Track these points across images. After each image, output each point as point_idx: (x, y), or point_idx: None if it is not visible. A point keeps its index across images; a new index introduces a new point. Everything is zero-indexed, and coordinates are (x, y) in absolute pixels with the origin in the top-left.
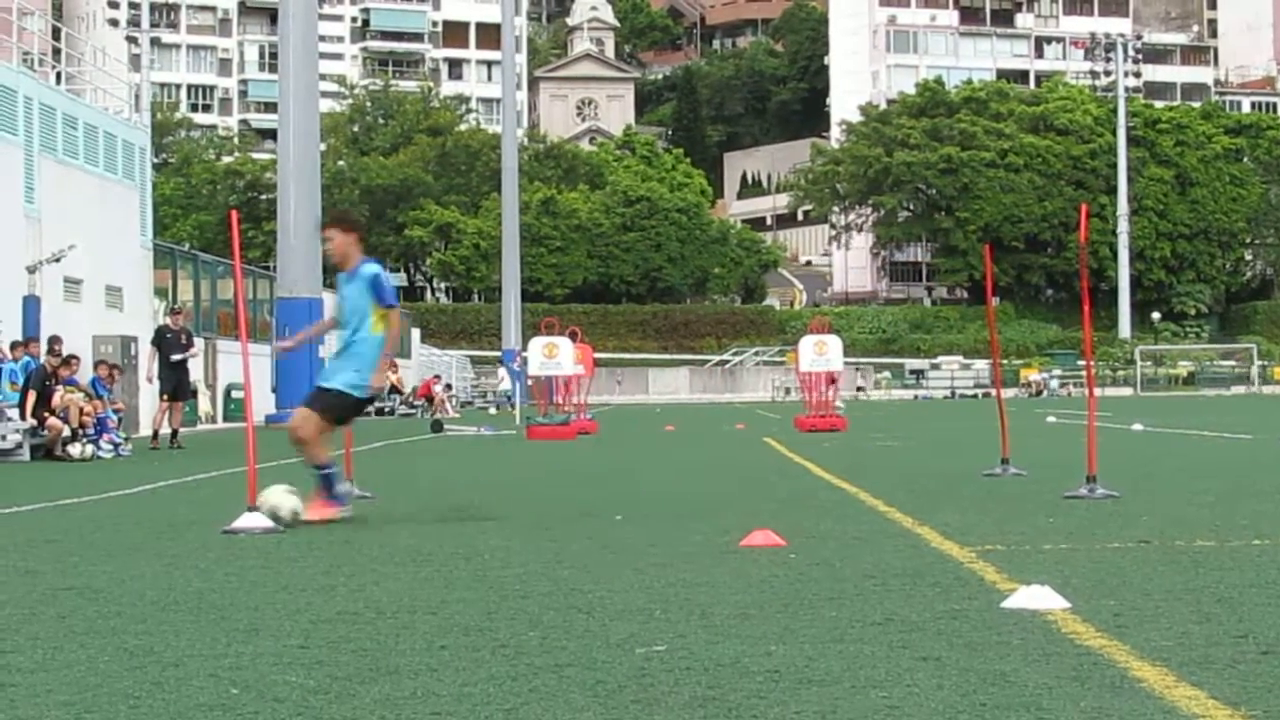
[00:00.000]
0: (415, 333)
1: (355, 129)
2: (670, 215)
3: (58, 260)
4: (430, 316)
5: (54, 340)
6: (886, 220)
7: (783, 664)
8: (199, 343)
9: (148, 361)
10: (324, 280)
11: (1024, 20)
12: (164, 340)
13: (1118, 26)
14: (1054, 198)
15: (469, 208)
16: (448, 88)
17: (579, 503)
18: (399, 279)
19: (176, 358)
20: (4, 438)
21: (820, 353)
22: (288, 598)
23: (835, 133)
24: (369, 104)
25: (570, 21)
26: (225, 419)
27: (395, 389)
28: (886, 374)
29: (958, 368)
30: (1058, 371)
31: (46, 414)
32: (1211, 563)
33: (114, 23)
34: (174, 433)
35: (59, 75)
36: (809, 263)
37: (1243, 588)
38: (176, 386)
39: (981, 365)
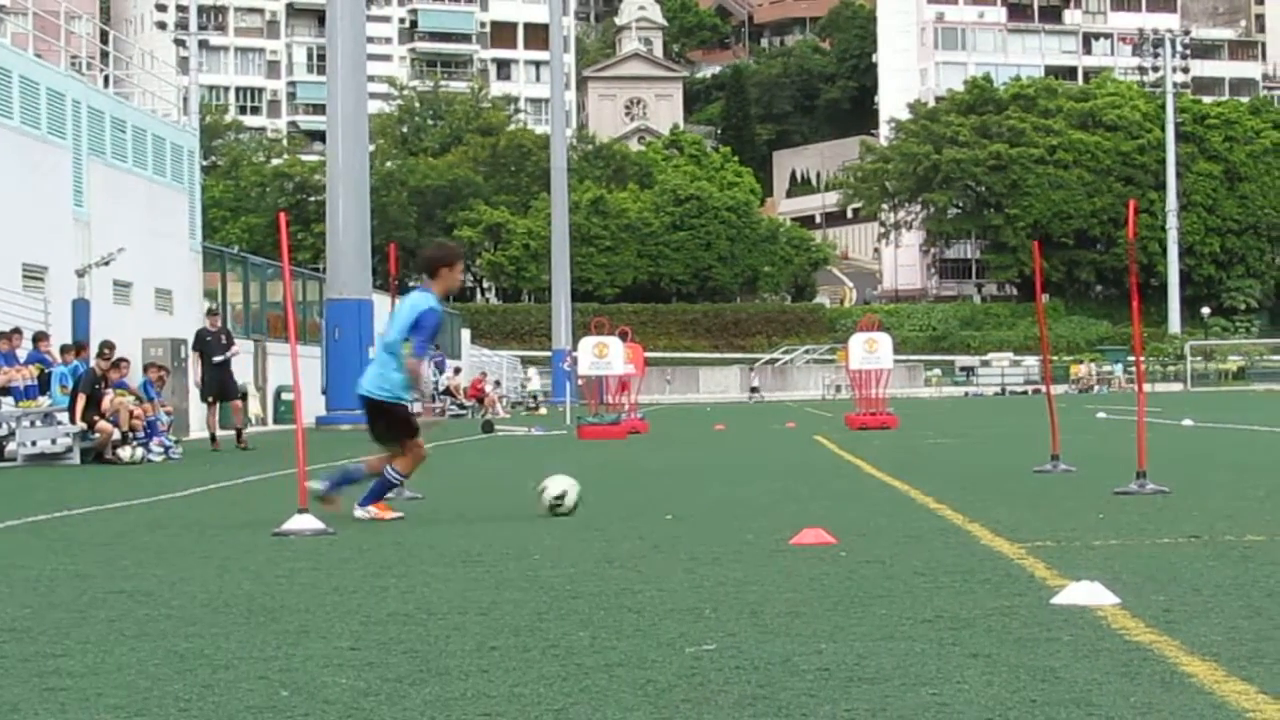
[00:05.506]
0: (465, 333)
1: (404, 130)
2: (720, 214)
3: (107, 264)
4: (480, 317)
5: (105, 344)
6: (936, 217)
7: (833, 662)
8: (246, 344)
9: (193, 367)
10: (374, 282)
11: (1072, 16)
12: (204, 343)
13: (1165, 22)
14: (1103, 194)
15: (519, 208)
16: (496, 88)
17: (629, 502)
18: None
19: (218, 359)
20: (54, 441)
21: (871, 350)
22: (338, 599)
23: (884, 130)
24: (418, 104)
25: (618, 21)
26: (275, 421)
27: (449, 391)
28: (937, 371)
29: (1008, 364)
30: (1108, 368)
31: (97, 417)
32: (1262, 557)
33: (162, 25)
34: (238, 433)
35: (107, 79)
36: (844, 255)
37: None
38: (222, 387)
39: (1032, 362)
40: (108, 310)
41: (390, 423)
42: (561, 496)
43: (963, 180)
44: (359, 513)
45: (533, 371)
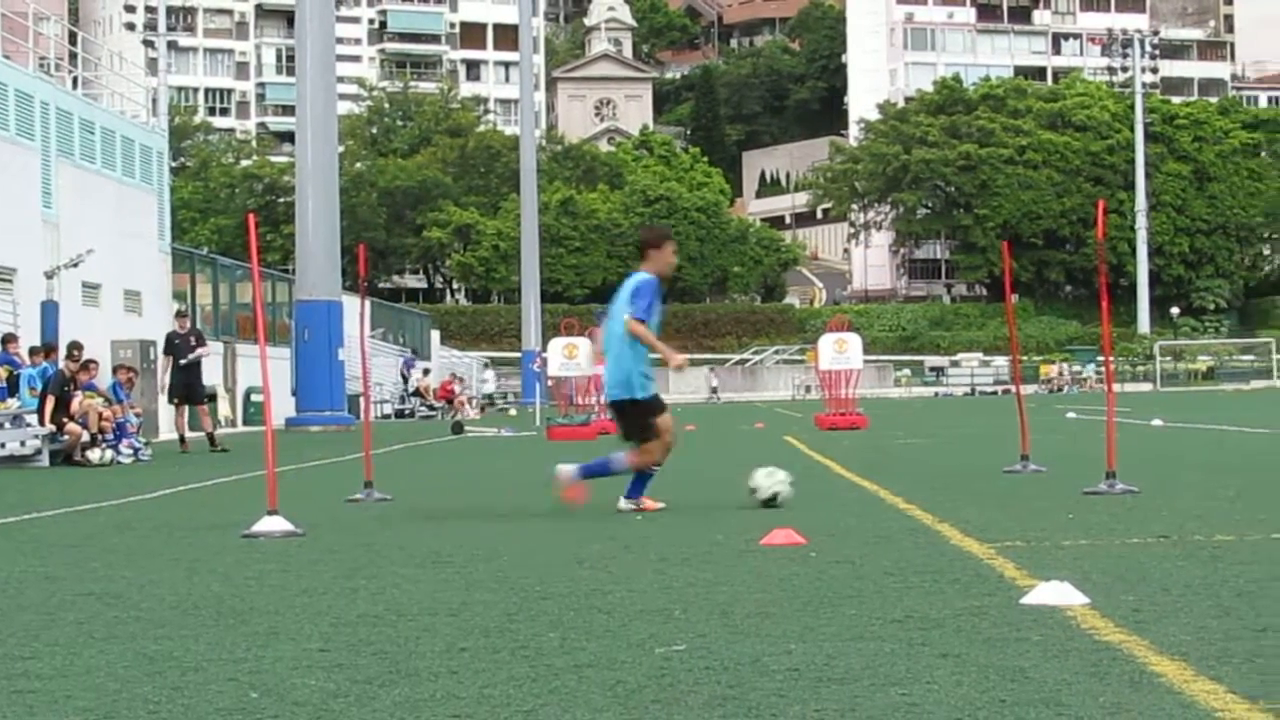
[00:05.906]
0: (435, 334)
1: (374, 131)
2: (689, 214)
3: (76, 265)
4: (450, 318)
5: (73, 345)
6: (905, 218)
7: (803, 662)
8: (215, 345)
9: (161, 371)
10: (343, 283)
11: (1041, 17)
12: (174, 345)
13: (1135, 22)
14: (1072, 194)
15: (488, 209)
16: (465, 89)
17: (599, 502)
18: (418, 281)
19: (185, 360)
20: (23, 443)
21: (840, 350)
22: (308, 601)
23: (854, 131)
24: (387, 105)
25: (588, 22)
26: (245, 423)
27: (419, 393)
28: (907, 371)
29: (978, 364)
30: (1078, 368)
31: (66, 419)
32: (1230, 557)
33: (130, 27)
34: (210, 436)
35: (76, 80)
36: (814, 255)
37: (1262, 581)
38: (188, 390)
39: (1001, 362)
40: (76, 312)
41: (630, 419)
42: (770, 496)
43: (932, 180)
44: (623, 504)
45: (489, 374)
